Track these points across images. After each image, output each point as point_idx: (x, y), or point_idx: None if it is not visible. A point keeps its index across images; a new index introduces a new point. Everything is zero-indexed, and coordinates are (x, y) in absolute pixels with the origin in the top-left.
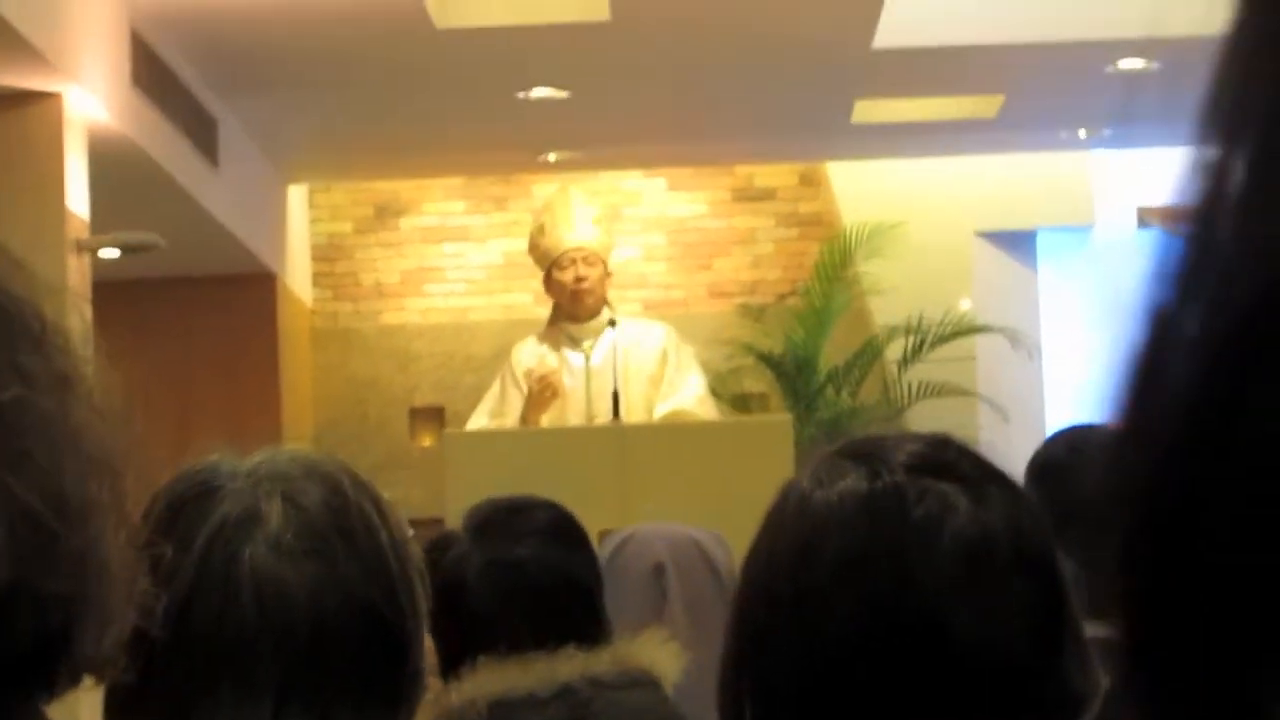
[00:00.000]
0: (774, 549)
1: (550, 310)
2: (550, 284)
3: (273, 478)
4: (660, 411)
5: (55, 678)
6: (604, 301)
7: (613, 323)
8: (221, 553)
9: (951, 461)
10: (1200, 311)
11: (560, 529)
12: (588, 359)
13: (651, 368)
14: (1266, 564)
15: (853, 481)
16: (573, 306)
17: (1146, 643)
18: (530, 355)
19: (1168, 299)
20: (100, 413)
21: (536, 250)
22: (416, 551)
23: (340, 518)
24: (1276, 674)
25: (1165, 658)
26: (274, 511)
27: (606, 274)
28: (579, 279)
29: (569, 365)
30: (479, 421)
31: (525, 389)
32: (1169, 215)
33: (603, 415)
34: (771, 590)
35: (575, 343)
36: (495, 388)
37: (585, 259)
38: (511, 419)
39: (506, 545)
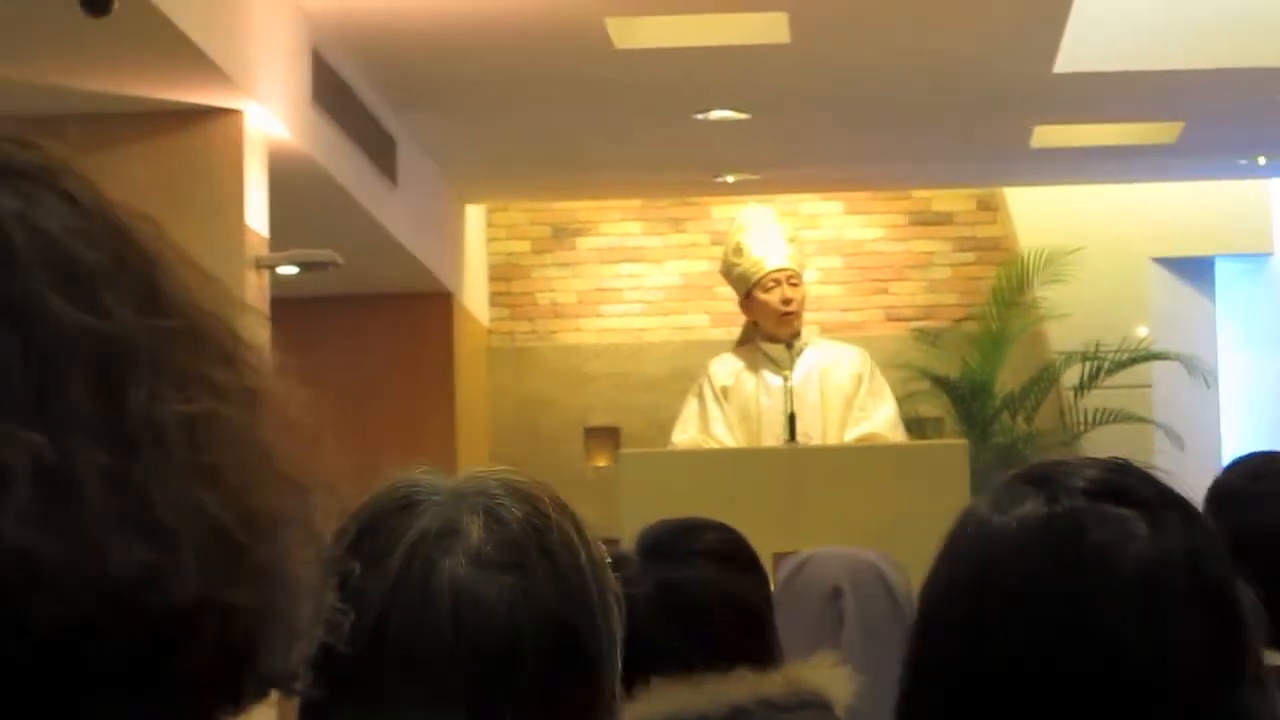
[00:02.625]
0: (953, 575)
1: (742, 329)
2: (751, 305)
3: (475, 494)
4: (851, 435)
5: (241, 692)
6: (802, 323)
7: (789, 344)
8: (421, 564)
9: (1131, 487)
10: None
11: (730, 550)
12: (787, 380)
13: (847, 390)
14: None
15: (1031, 506)
16: (778, 328)
17: None
18: (728, 372)
19: None
20: (289, 428)
21: (733, 271)
22: (613, 577)
23: (541, 536)
24: None
25: None
26: (475, 526)
27: (805, 293)
28: (786, 300)
29: (766, 385)
30: (686, 435)
31: (723, 406)
32: None
33: (803, 437)
34: (949, 615)
35: (773, 363)
36: (693, 404)
37: (789, 280)
38: (717, 434)
39: (676, 566)
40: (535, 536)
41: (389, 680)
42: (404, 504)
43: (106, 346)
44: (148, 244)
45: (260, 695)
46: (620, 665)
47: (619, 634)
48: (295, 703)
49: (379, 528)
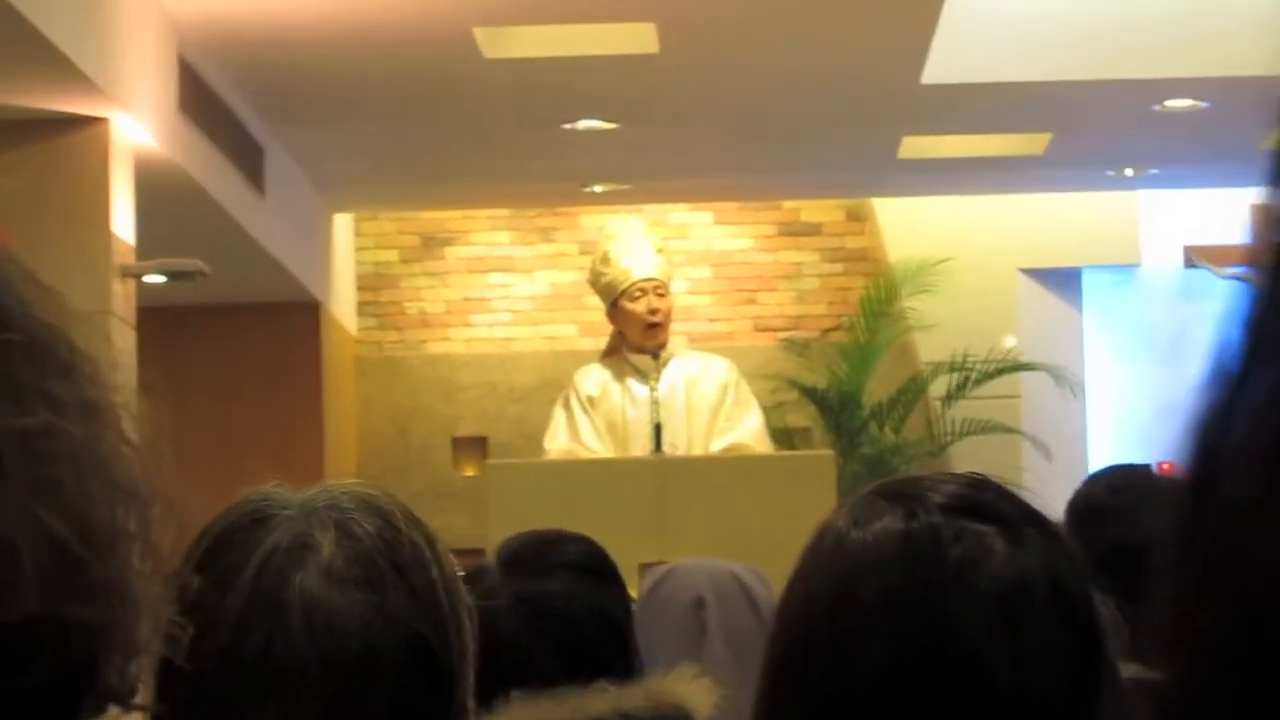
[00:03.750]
0: (810, 589)
1: (609, 340)
2: (618, 314)
3: (327, 508)
4: (717, 445)
5: (79, 708)
6: (669, 333)
7: (656, 356)
8: (273, 579)
9: (989, 503)
10: (1269, 374)
11: (590, 563)
12: (653, 390)
13: (713, 400)
14: None
15: (889, 522)
16: (644, 339)
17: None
18: (593, 383)
19: (1234, 362)
20: (129, 441)
21: (600, 281)
22: (465, 590)
23: (393, 550)
24: None
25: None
26: (327, 540)
27: (672, 304)
28: (653, 310)
29: (632, 395)
30: (557, 443)
31: (590, 415)
32: (1217, 255)
33: (669, 447)
34: (807, 629)
35: (640, 373)
36: (560, 414)
37: (656, 290)
38: (588, 443)
39: (535, 579)
40: (387, 551)
41: (243, 697)
42: (255, 518)
43: None
44: None
45: (97, 711)
46: (474, 679)
47: (471, 647)
48: None
49: (230, 543)
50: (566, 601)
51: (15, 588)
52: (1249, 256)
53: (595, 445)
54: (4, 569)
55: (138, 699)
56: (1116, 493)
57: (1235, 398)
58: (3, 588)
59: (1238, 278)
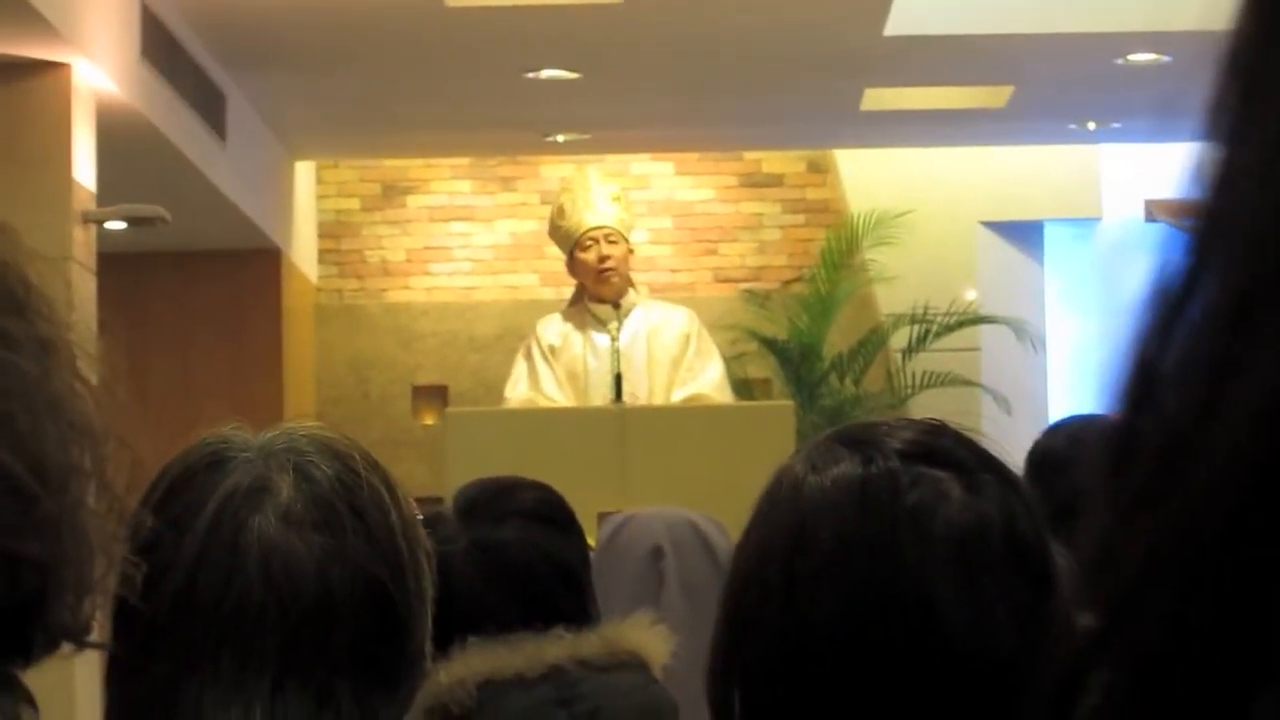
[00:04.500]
0: (766, 534)
1: (574, 291)
2: (574, 265)
3: (286, 451)
4: (678, 396)
5: (30, 643)
6: (628, 281)
7: (617, 307)
8: (230, 522)
9: (946, 449)
10: (1208, 298)
11: (547, 510)
12: (614, 340)
13: (674, 350)
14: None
15: (846, 467)
16: (597, 287)
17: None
18: (555, 333)
19: (1174, 285)
20: (83, 379)
21: (558, 232)
22: (425, 535)
23: (351, 494)
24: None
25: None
26: (285, 484)
27: (629, 251)
28: (603, 259)
29: (593, 345)
30: (517, 392)
31: (551, 364)
32: (1177, 210)
33: (629, 397)
34: (762, 575)
35: (600, 323)
36: (522, 364)
37: (607, 237)
38: (548, 392)
39: (491, 526)
40: (345, 494)
41: (197, 639)
42: (213, 460)
43: None
44: None
45: (50, 648)
46: (431, 624)
47: (429, 592)
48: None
49: (188, 484)
50: (522, 549)
51: None
52: (1192, 205)
53: (556, 395)
54: None
55: (93, 637)
56: (1076, 443)
57: (1173, 319)
58: None
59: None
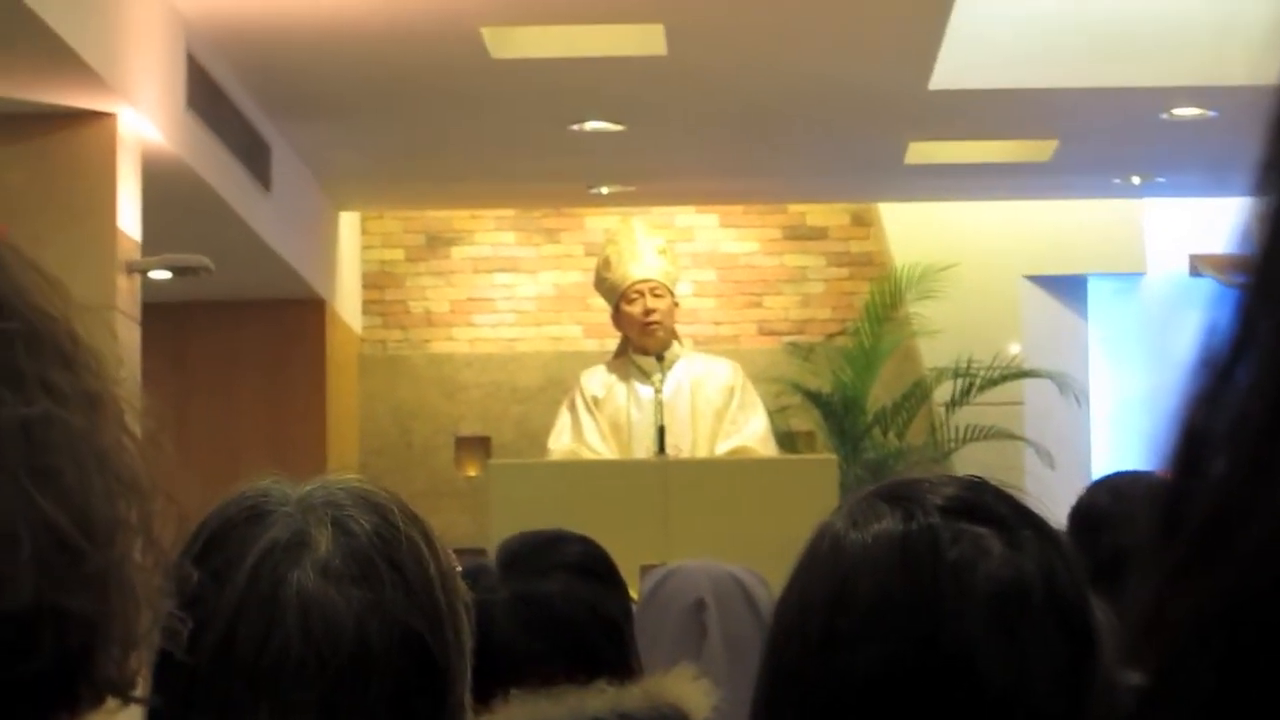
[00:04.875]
0: (807, 589)
1: (619, 342)
2: (619, 317)
3: (324, 505)
4: (723, 448)
5: (76, 699)
6: (673, 334)
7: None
8: (269, 576)
9: (987, 505)
10: (1257, 362)
11: (590, 564)
12: (657, 392)
13: (718, 403)
14: None
15: (888, 524)
16: (642, 339)
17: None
18: (599, 384)
19: (1222, 350)
20: (130, 433)
21: (603, 284)
22: (464, 587)
23: (390, 547)
24: None
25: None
26: (324, 538)
27: (674, 304)
28: (648, 311)
29: (637, 397)
30: (561, 443)
31: (595, 416)
32: (1222, 264)
33: (672, 449)
34: (804, 631)
35: (644, 375)
36: (565, 415)
37: (653, 290)
38: (592, 444)
39: (535, 579)
40: (384, 548)
41: (236, 692)
42: (252, 514)
43: None
44: None
45: (96, 702)
46: (471, 676)
47: (469, 644)
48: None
49: (227, 538)
50: (566, 602)
51: (14, 577)
52: (1241, 262)
53: (599, 446)
54: (4, 558)
55: (136, 692)
56: (1119, 499)
57: (1221, 384)
58: (2, 577)
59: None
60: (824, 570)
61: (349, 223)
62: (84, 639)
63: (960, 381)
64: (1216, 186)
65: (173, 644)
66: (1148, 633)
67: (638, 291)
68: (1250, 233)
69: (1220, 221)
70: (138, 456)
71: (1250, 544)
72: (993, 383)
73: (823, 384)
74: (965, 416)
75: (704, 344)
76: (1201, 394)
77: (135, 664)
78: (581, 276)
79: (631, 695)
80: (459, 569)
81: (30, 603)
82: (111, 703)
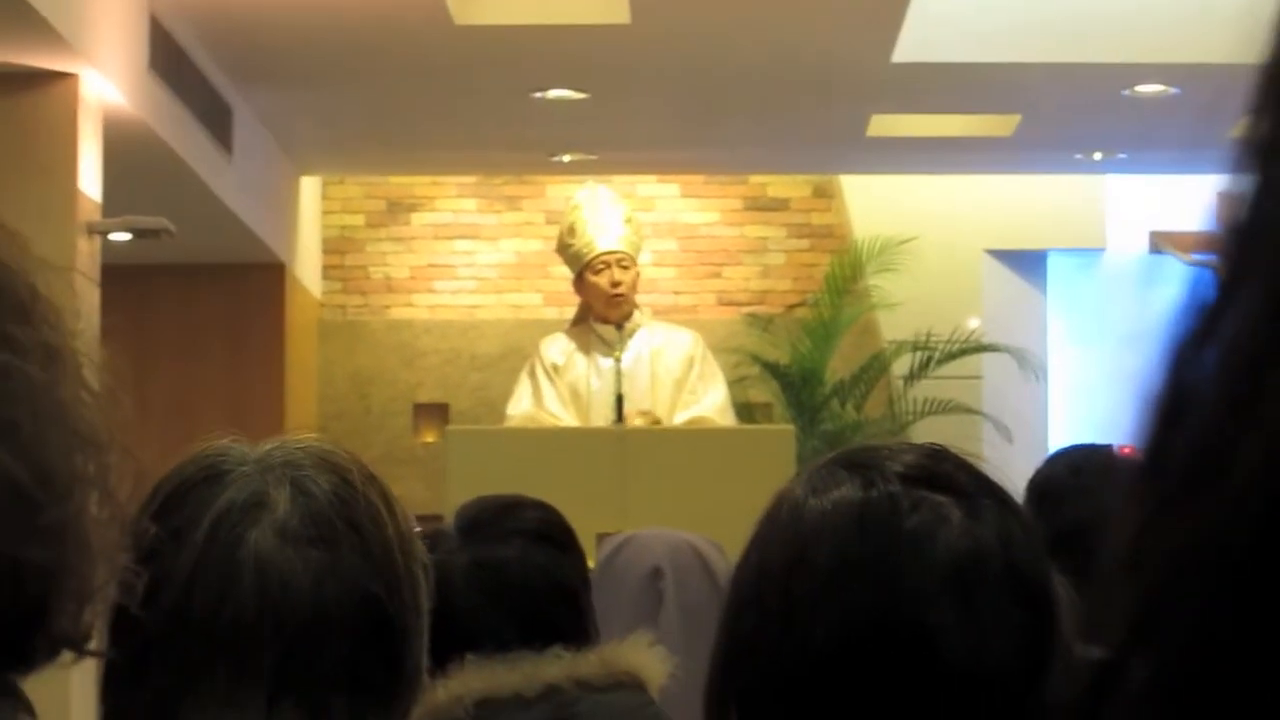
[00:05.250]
0: (765, 556)
1: (577, 310)
2: (582, 285)
3: (283, 465)
4: (681, 418)
5: (31, 651)
6: (634, 304)
7: (620, 328)
8: (226, 536)
9: (947, 474)
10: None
11: (548, 530)
12: (618, 362)
13: (677, 372)
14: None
15: (846, 490)
16: (607, 310)
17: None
18: (558, 352)
19: (1191, 329)
20: (88, 387)
21: (567, 251)
22: (422, 549)
23: (348, 508)
24: None
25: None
26: (281, 498)
27: (638, 275)
28: (615, 284)
29: (597, 366)
30: (520, 408)
31: (554, 382)
32: (1183, 242)
33: (630, 418)
34: (761, 597)
35: (605, 344)
36: (525, 381)
37: (620, 262)
38: (551, 409)
39: (492, 545)
40: (342, 509)
41: (193, 652)
42: (210, 473)
43: None
44: None
45: (51, 655)
46: (430, 640)
47: (426, 607)
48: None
49: (185, 497)
50: (523, 568)
51: None
52: (1210, 243)
53: (559, 412)
54: None
55: (91, 645)
56: (1077, 472)
57: (1207, 332)
58: None
59: (1202, 264)
60: (782, 537)
61: (310, 187)
62: (39, 591)
63: (919, 355)
64: (1178, 163)
65: (128, 598)
66: (1127, 572)
67: (604, 262)
68: (1233, 193)
69: (1181, 199)
70: (95, 411)
71: (1231, 485)
72: (952, 356)
73: (781, 355)
74: (924, 390)
75: (663, 314)
76: (1185, 345)
77: (90, 618)
78: (542, 245)
79: (588, 662)
80: (419, 533)
81: None
82: (66, 656)
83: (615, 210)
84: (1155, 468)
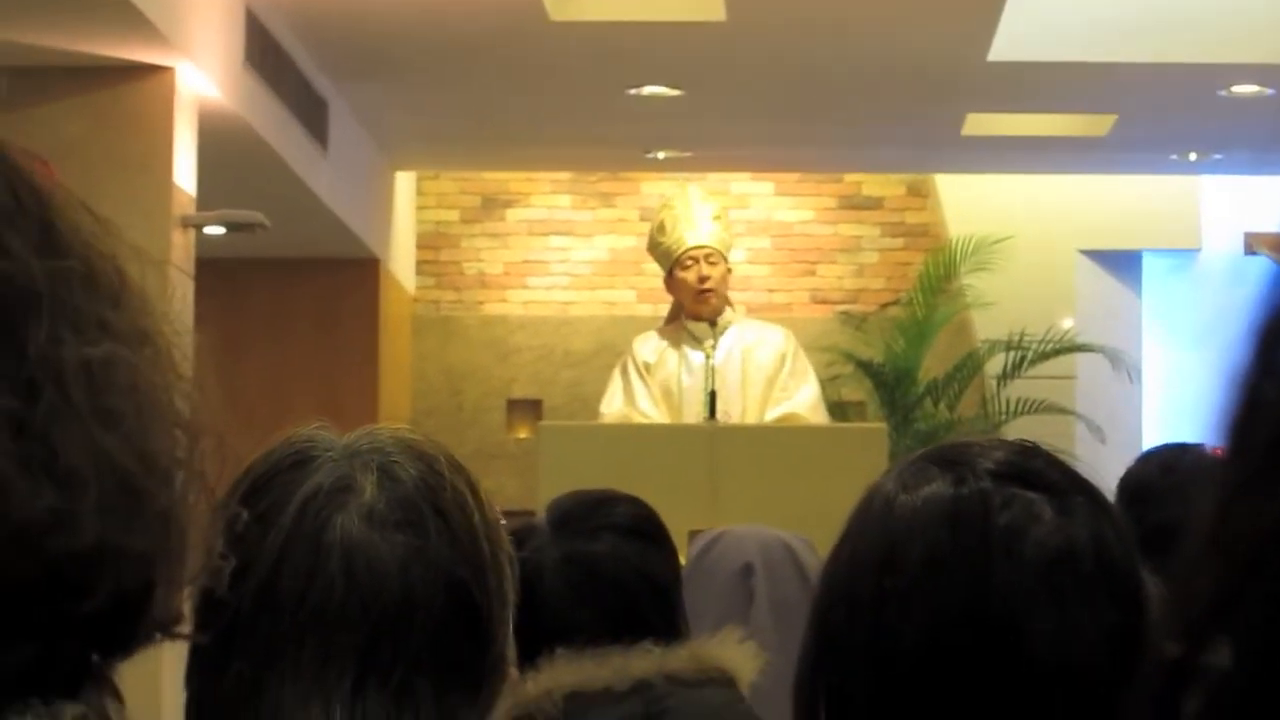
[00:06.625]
0: (856, 551)
1: (670, 307)
2: (672, 282)
3: (370, 451)
4: (772, 415)
5: (133, 635)
6: (726, 300)
7: (711, 324)
8: (313, 520)
9: (1039, 470)
10: None
11: (640, 525)
12: (709, 358)
13: (769, 369)
14: None
15: (938, 487)
16: (696, 306)
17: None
18: (650, 350)
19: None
20: (179, 373)
21: (657, 249)
22: (507, 538)
23: (435, 495)
24: None
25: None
26: (369, 483)
27: (728, 271)
28: (702, 279)
29: (689, 363)
30: (613, 407)
31: (646, 381)
32: (1277, 243)
33: (723, 415)
34: (852, 592)
35: (696, 341)
36: (618, 379)
37: (708, 258)
38: (643, 409)
39: (584, 539)
40: (429, 495)
41: (280, 635)
42: (298, 460)
43: (7, 286)
44: (39, 182)
45: (149, 640)
46: (521, 634)
47: (511, 595)
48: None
49: (272, 482)
50: (614, 563)
51: (79, 517)
52: None
53: (651, 411)
54: (71, 498)
55: (180, 628)
56: (1168, 471)
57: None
58: (69, 516)
59: None
60: (874, 532)
61: (405, 183)
62: (143, 579)
63: (1012, 354)
64: (1273, 164)
65: (215, 582)
66: (1210, 553)
67: (692, 258)
68: None
69: (1277, 200)
70: (188, 395)
71: None
72: (1045, 356)
73: (875, 354)
74: (1017, 390)
75: (757, 311)
76: (1272, 329)
77: (180, 602)
78: (636, 241)
79: (678, 657)
80: (505, 525)
81: (93, 543)
82: (155, 637)
83: (705, 207)
84: (1238, 450)
